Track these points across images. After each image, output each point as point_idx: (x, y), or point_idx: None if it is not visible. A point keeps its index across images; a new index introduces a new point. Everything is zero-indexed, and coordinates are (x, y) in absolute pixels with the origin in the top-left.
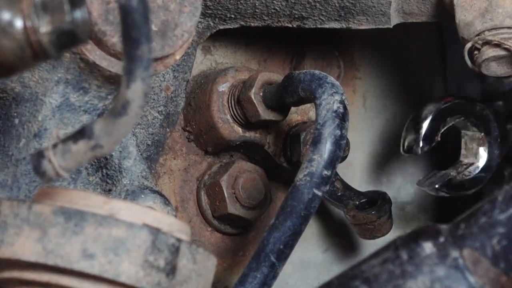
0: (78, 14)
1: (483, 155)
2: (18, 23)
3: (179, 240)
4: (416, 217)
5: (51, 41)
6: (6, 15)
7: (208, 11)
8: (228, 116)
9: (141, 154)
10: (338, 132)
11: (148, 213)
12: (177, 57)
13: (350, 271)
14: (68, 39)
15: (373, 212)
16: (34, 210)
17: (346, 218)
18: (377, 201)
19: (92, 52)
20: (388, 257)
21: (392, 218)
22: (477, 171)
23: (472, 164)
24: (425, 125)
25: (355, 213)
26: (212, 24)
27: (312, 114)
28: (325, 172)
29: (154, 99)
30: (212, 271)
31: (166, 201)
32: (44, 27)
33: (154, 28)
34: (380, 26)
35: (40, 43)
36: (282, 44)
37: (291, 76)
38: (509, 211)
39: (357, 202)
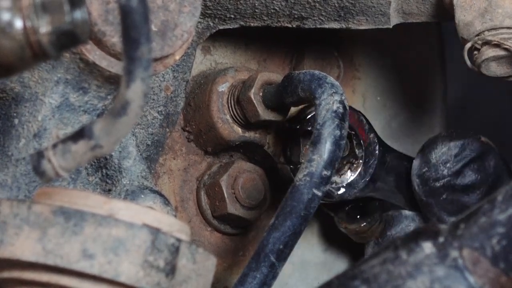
0: (78, 14)
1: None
2: (18, 24)
3: (179, 240)
4: None
5: (51, 41)
6: (6, 15)
7: (208, 11)
8: (228, 116)
9: (140, 154)
10: (337, 132)
11: (148, 213)
12: (177, 57)
13: (350, 271)
14: (68, 39)
15: (364, 224)
16: (34, 210)
17: (338, 227)
18: (366, 207)
19: (92, 52)
20: (388, 257)
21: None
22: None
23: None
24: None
25: (347, 225)
26: (211, 24)
27: None
28: (325, 172)
29: (153, 99)
30: (212, 271)
31: (166, 201)
32: (44, 28)
33: (153, 28)
34: (380, 26)
35: (40, 43)
36: (282, 44)
37: (291, 76)
38: (509, 211)
39: (347, 208)
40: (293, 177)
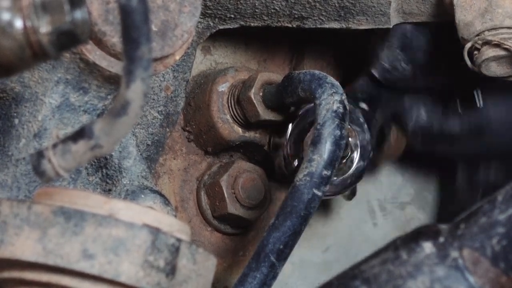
0: (78, 14)
1: (355, 144)
2: (18, 23)
3: (179, 240)
4: (416, 217)
5: (51, 41)
6: (6, 15)
7: (208, 11)
8: (228, 116)
9: (141, 154)
10: (337, 132)
11: (148, 213)
12: (177, 57)
13: (350, 271)
14: (68, 39)
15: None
16: (34, 210)
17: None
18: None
19: (92, 52)
20: (388, 257)
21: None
22: (356, 162)
23: (347, 156)
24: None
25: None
26: (212, 24)
27: None
28: (325, 172)
29: (154, 99)
30: (212, 271)
31: (166, 201)
32: (44, 27)
33: (154, 28)
34: (380, 26)
35: (40, 43)
36: (282, 44)
37: (291, 76)
38: (509, 211)
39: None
40: (285, 171)
